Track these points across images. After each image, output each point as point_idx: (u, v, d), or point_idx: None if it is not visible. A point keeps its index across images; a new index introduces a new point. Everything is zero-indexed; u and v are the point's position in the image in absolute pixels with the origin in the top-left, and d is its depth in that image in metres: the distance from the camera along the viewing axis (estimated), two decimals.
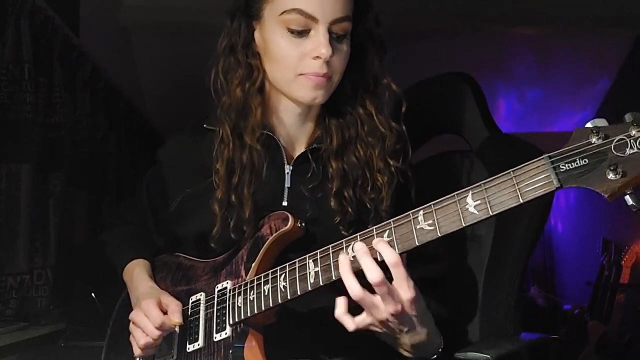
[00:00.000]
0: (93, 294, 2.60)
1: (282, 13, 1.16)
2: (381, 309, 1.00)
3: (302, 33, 1.16)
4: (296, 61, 1.18)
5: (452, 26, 3.90)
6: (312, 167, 1.26)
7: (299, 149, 1.30)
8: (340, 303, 1.03)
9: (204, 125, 1.32)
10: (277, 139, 1.28)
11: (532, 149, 1.49)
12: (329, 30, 1.16)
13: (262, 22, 1.22)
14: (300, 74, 1.19)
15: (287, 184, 1.26)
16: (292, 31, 1.17)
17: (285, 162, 1.28)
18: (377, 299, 0.99)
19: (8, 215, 2.22)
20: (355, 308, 1.03)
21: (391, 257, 0.98)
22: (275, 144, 1.28)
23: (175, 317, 1.20)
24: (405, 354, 1.11)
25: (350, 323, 1.03)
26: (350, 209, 1.22)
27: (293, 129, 1.30)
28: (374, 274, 0.97)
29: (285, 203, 1.25)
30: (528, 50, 4.52)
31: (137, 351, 1.24)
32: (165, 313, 1.21)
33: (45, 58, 2.46)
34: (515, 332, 1.40)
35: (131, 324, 1.24)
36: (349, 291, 1.00)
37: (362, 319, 1.03)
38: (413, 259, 1.05)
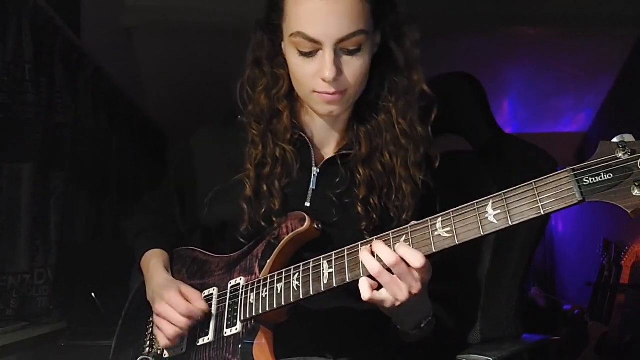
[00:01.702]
0: (93, 294, 2.61)
1: (291, 35, 1.18)
2: (402, 286, 1.03)
3: (311, 53, 1.17)
4: (309, 79, 1.19)
5: (452, 26, 3.90)
6: (341, 173, 1.27)
7: (328, 152, 1.31)
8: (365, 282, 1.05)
9: (238, 117, 1.33)
10: (308, 140, 1.30)
11: (534, 149, 1.49)
12: (338, 48, 1.15)
13: (283, 37, 1.23)
14: (314, 91, 1.20)
15: (312, 186, 1.28)
16: (300, 52, 1.18)
17: (313, 164, 1.29)
18: (395, 277, 1.03)
19: (9, 214, 2.22)
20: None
21: (389, 257, 1.01)
22: (306, 144, 1.29)
23: (199, 304, 1.22)
24: (396, 321, 1.16)
25: (367, 291, 1.04)
26: (375, 216, 1.23)
27: (323, 131, 1.31)
28: (386, 256, 1.02)
29: (308, 204, 1.27)
30: (529, 51, 4.52)
31: (164, 342, 1.24)
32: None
33: (46, 58, 2.46)
34: (516, 333, 1.40)
35: (155, 316, 1.25)
36: (367, 267, 1.03)
37: (380, 294, 1.05)
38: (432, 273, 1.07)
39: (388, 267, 1.02)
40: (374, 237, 1.08)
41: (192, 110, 4.49)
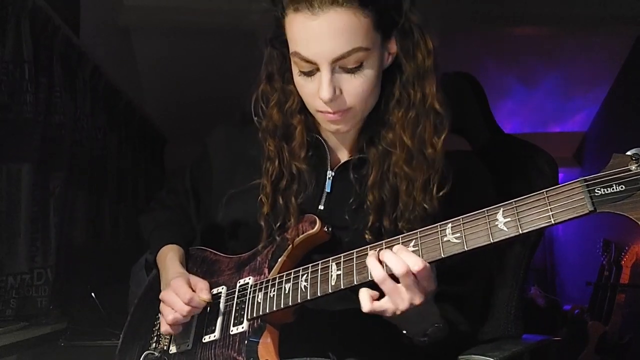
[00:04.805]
0: (93, 294, 2.61)
1: (291, 54, 1.15)
2: (404, 296, 1.03)
3: (310, 72, 1.13)
4: (311, 99, 1.17)
5: (452, 26, 3.90)
6: (354, 176, 1.25)
7: (343, 155, 1.29)
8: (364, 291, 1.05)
9: (255, 119, 1.30)
10: (325, 142, 1.28)
11: (533, 149, 1.49)
12: (337, 67, 1.11)
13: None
14: (317, 110, 1.18)
15: (327, 189, 1.27)
16: (301, 71, 1.15)
17: (329, 167, 1.28)
18: (399, 286, 1.02)
19: (8, 215, 2.22)
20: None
21: (415, 264, 1.00)
22: (323, 147, 1.28)
23: (203, 294, 1.22)
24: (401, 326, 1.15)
25: (367, 302, 1.04)
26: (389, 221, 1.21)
27: (338, 136, 1.28)
28: (395, 264, 1.01)
29: (321, 207, 1.26)
30: (528, 50, 4.52)
31: (164, 328, 1.25)
32: (193, 292, 1.23)
33: (45, 58, 2.46)
34: (517, 333, 1.40)
35: (161, 303, 1.26)
36: (372, 274, 1.03)
37: (380, 304, 1.05)
38: (443, 272, 1.07)
39: (391, 274, 1.02)
40: (384, 240, 1.08)
41: (190, 110, 4.50)
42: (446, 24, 3.86)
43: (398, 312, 1.04)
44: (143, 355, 1.32)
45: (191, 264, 1.39)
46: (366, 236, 1.19)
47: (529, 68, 4.72)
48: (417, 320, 1.12)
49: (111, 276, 2.79)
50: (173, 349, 1.29)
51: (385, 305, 1.04)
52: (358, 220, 1.23)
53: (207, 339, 1.24)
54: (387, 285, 1.03)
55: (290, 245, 1.21)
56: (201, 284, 1.24)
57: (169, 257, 1.37)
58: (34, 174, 2.31)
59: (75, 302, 2.67)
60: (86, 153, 2.92)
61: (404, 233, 1.13)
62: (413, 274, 1.01)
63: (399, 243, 1.05)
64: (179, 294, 1.22)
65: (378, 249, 1.06)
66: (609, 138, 4.97)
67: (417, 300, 1.03)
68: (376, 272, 1.03)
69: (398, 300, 1.03)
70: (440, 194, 1.18)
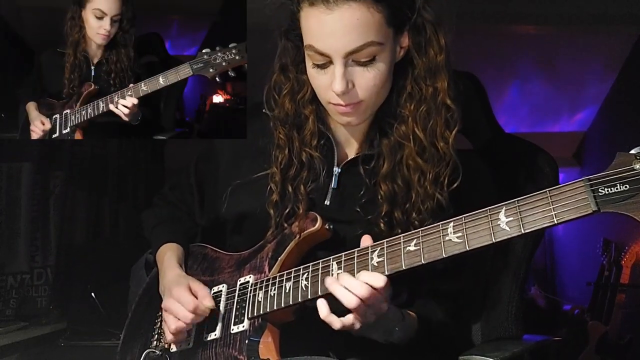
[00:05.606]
0: (93, 294, 2.61)
1: (305, 47, 1.17)
2: (371, 310, 1.08)
3: (324, 65, 1.15)
4: (323, 91, 1.18)
5: (453, 24, 3.90)
6: (362, 172, 1.26)
7: (351, 150, 1.30)
8: (322, 306, 1.09)
9: (263, 110, 1.31)
10: (333, 139, 1.29)
11: (534, 149, 1.49)
12: (350, 60, 1.13)
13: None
14: (329, 102, 1.19)
15: (334, 185, 1.27)
16: (314, 64, 1.17)
17: (335, 164, 1.28)
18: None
19: (8, 214, 2.23)
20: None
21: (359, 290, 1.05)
22: (330, 143, 1.29)
23: (206, 301, 1.23)
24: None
25: (337, 322, 1.09)
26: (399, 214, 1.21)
27: (347, 132, 1.30)
28: (358, 289, 1.06)
29: (327, 202, 1.27)
30: (529, 49, 4.52)
31: (168, 337, 1.26)
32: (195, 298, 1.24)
33: None
34: (517, 333, 1.39)
35: (164, 312, 1.27)
36: (345, 302, 1.07)
37: (348, 320, 1.09)
38: (433, 268, 1.08)
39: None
40: (385, 239, 1.08)
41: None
42: (447, 22, 3.86)
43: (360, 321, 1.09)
44: (144, 354, 1.33)
45: (191, 261, 1.40)
46: (381, 225, 1.20)
47: (528, 67, 4.72)
48: (375, 327, 1.15)
49: (111, 276, 2.79)
50: (174, 348, 1.29)
51: (351, 319, 1.08)
52: (370, 212, 1.23)
53: (208, 337, 1.24)
54: (360, 309, 1.07)
55: (291, 244, 1.21)
56: (202, 291, 1.24)
57: (167, 257, 1.37)
58: (34, 173, 2.31)
59: (75, 302, 2.66)
60: (86, 153, 2.92)
61: (415, 225, 1.17)
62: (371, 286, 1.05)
63: (400, 242, 1.06)
64: (182, 302, 1.22)
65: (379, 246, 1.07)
66: (610, 138, 4.96)
67: (383, 308, 1.09)
68: (347, 300, 1.06)
69: (368, 314, 1.08)
70: (451, 188, 1.20)
